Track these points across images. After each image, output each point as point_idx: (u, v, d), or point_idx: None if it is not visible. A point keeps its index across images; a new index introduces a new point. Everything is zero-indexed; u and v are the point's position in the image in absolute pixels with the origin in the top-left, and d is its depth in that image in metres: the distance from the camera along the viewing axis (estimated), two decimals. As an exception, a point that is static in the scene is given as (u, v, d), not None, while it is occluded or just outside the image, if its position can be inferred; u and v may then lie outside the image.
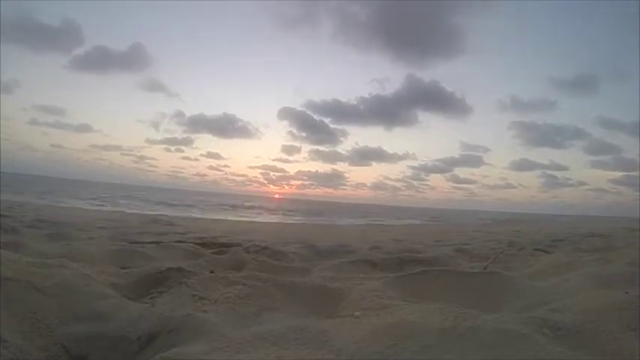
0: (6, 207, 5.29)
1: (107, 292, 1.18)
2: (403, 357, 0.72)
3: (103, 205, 11.53)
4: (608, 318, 0.88)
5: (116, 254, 2.04)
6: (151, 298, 1.23)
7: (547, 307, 1.04)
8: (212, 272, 1.56)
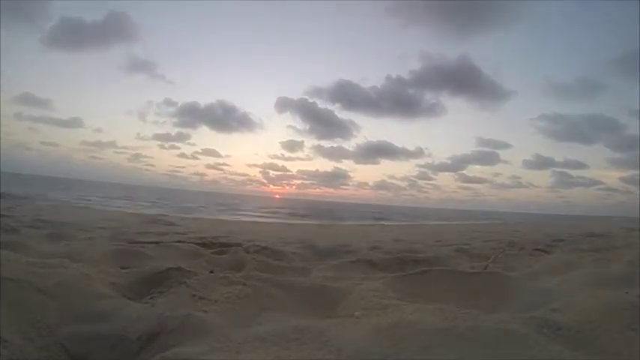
0: (6, 207, 5.29)
1: (107, 292, 1.18)
2: (403, 357, 0.72)
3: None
4: (608, 318, 0.88)
5: (116, 254, 2.04)
6: (151, 298, 1.23)
7: (547, 307, 1.04)
8: (212, 272, 1.56)
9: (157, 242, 2.64)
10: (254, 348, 0.79)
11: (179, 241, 2.76)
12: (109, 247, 2.21)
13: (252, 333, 0.87)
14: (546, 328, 0.83)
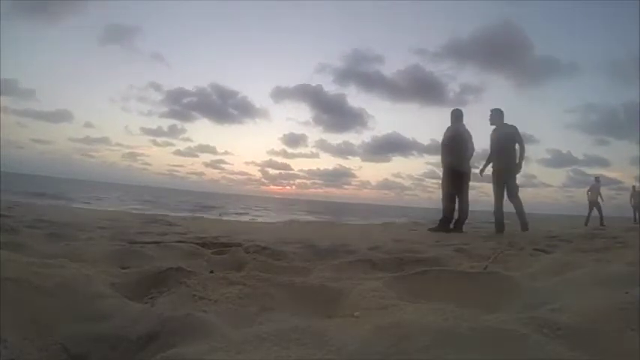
0: (6, 207, 5.29)
1: (107, 292, 1.18)
2: (403, 357, 0.72)
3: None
4: (608, 318, 0.88)
5: (116, 254, 2.04)
6: (151, 298, 1.23)
7: (547, 307, 1.04)
8: (212, 272, 1.56)
9: (157, 242, 2.64)
10: (254, 348, 0.79)
11: (179, 241, 2.76)
12: (109, 247, 2.21)
13: (252, 333, 0.87)
14: (546, 328, 0.83)
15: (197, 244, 2.68)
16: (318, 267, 2.02)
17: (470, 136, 5.45)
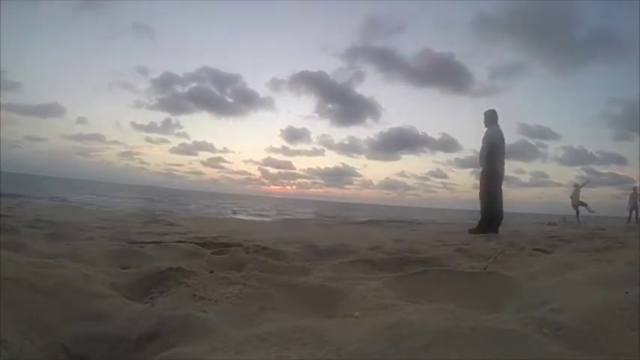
0: (6, 207, 5.29)
1: (107, 292, 1.18)
2: (403, 357, 0.72)
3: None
4: (608, 318, 0.88)
5: (116, 254, 2.04)
6: (151, 298, 1.23)
7: (547, 307, 1.04)
8: (212, 272, 1.56)
9: (157, 242, 2.65)
10: (254, 348, 0.79)
11: (179, 241, 2.76)
12: (109, 247, 2.22)
13: (252, 333, 0.87)
14: (546, 328, 0.83)
15: (197, 244, 2.68)
16: (318, 267, 2.02)
17: (504, 139, 5.57)
